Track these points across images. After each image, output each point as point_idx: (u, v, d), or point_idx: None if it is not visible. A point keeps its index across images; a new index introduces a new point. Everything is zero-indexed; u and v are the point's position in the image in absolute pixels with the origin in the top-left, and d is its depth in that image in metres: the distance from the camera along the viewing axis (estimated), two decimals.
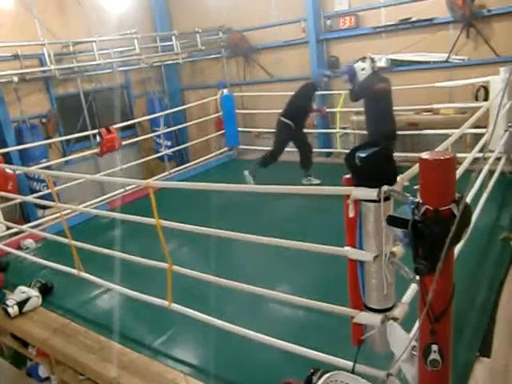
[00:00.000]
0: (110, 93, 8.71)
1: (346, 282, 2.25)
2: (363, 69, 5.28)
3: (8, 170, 5.24)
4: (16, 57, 7.23)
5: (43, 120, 7.83)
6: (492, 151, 4.83)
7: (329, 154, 7.83)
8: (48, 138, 7.62)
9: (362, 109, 5.79)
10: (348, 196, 2.04)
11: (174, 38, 8.82)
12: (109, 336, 3.28)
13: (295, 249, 2.47)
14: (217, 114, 8.32)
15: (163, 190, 4.20)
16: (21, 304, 3.74)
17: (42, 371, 3.81)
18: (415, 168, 2.09)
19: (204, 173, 7.48)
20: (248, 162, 8.04)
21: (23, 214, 7.41)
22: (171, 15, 10.02)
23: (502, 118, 5.17)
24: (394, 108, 5.58)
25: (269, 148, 6.53)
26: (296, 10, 8.15)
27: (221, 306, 3.19)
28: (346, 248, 2.16)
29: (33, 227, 5.28)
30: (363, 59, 5.30)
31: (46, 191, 6.18)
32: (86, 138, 7.73)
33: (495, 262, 3.68)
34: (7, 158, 6.04)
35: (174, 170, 7.58)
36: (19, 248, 5.12)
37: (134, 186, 6.37)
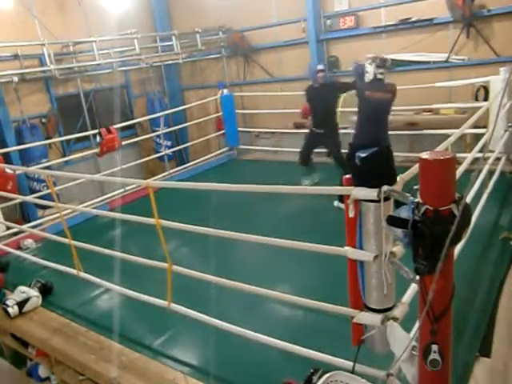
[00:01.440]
0: (109, 93, 8.71)
1: (346, 281, 2.25)
2: (367, 72, 4.89)
3: (8, 170, 5.24)
4: (16, 57, 7.24)
5: (43, 120, 7.82)
6: (492, 151, 4.83)
7: (329, 154, 7.81)
8: (48, 138, 7.62)
9: None
10: (348, 196, 2.04)
11: (173, 38, 8.81)
12: (109, 336, 3.28)
13: (295, 249, 2.47)
14: (217, 114, 8.32)
15: (163, 190, 4.20)
16: (21, 304, 3.74)
17: (42, 371, 3.81)
18: (415, 168, 2.09)
19: (204, 173, 7.47)
20: (248, 162, 8.06)
21: (23, 214, 7.41)
22: (171, 15, 10.02)
23: (502, 118, 5.17)
24: (394, 108, 5.39)
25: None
26: (296, 10, 8.15)
27: (220, 305, 3.18)
28: (346, 248, 2.16)
29: (33, 227, 5.29)
30: (372, 60, 4.65)
31: (46, 191, 6.18)
32: (86, 138, 7.73)
33: (495, 262, 3.68)
34: (7, 158, 6.04)
35: (173, 170, 7.57)
36: (19, 248, 5.12)
37: (134, 185, 6.38)
